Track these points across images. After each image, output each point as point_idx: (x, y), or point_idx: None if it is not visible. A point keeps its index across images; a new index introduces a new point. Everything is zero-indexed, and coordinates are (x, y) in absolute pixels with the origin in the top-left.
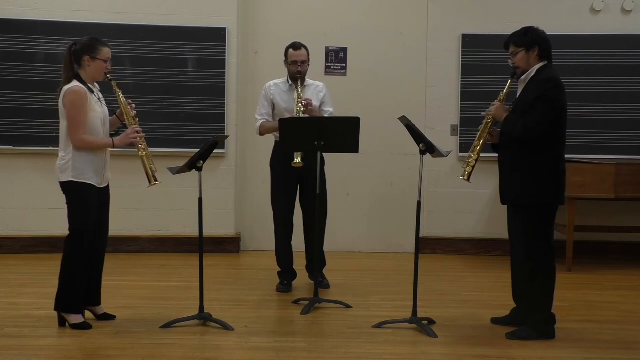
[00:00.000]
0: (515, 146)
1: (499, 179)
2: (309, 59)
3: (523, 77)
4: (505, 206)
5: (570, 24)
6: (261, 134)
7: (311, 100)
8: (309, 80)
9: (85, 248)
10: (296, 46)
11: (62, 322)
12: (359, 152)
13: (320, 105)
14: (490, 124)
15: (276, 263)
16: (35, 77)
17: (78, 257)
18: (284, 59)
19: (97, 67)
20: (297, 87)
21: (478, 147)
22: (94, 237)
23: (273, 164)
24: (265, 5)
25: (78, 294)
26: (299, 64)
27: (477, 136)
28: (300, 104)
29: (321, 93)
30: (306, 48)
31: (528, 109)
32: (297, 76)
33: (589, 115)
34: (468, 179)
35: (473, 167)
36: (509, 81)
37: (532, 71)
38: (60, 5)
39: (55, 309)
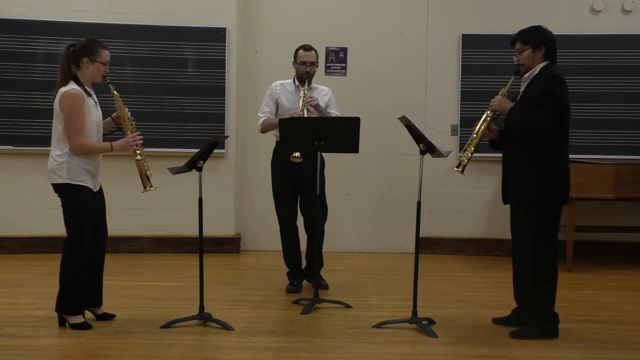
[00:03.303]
0: (520, 144)
1: (502, 177)
2: (317, 61)
3: (526, 74)
4: (506, 206)
5: (570, 24)
6: (262, 131)
7: (317, 99)
8: (314, 84)
9: (84, 250)
10: (306, 47)
11: (62, 322)
12: (359, 152)
13: (325, 108)
14: (490, 118)
15: (284, 264)
16: (35, 77)
17: (77, 259)
18: (292, 59)
19: (95, 69)
20: (303, 88)
21: (475, 140)
22: (94, 239)
23: (274, 164)
24: (265, 5)
25: (78, 296)
26: (308, 65)
27: (475, 129)
28: (306, 105)
29: (326, 96)
30: (316, 51)
31: (534, 102)
32: (304, 77)
33: (589, 115)
34: (462, 171)
35: (469, 159)
36: (512, 78)
37: (536, 69)
38: (60, 5)
39: (56, 310)
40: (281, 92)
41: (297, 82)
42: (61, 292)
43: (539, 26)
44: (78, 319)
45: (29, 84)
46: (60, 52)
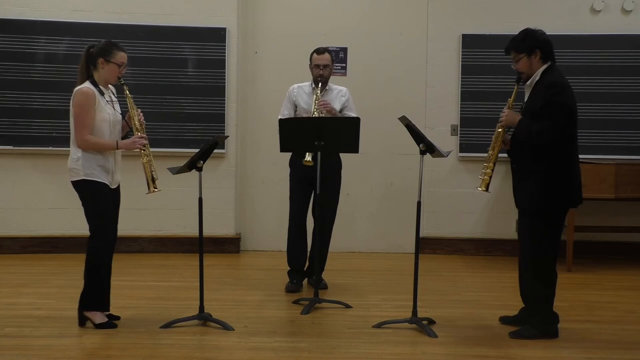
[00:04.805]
0: (528, 151)
1: (513, 184)
2: (332, 64)
3: (528, 82)
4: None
5: (570, 24)
6: None
7: (329, 103)
8: (332, 85)
9: (104, 245)
10: (320, 51)
11: (82, 322)
12: (359, 152)
13: (342, 110)
14: (502, 133)
15: (285, 263)
16: (35, 77)
17: (101, 254)
18: (308, 62)
19: (110, 70)
20: (316, 90)
21: (493, 157)
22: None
23: (292, 164)
24: (265, 5)
25: (103, 292)
26: (321, 68)
27: (491, 146)
28: (319, 109)
29: (344, 97)
30: (330, 53)
31: (538, 115)
32: (318, 79)
33: (589, 115)
34: (486, 189)
35: (490, 177)
36: (515, 87)
37: (537, 75)
38: (60, 5)
39: (80, 309)
40: (298, 95)
41: (313, 85)
42: (86, 289)
43: (527, 30)
44: (102, 318)
45: (29, 84)
46: (60, 52)
